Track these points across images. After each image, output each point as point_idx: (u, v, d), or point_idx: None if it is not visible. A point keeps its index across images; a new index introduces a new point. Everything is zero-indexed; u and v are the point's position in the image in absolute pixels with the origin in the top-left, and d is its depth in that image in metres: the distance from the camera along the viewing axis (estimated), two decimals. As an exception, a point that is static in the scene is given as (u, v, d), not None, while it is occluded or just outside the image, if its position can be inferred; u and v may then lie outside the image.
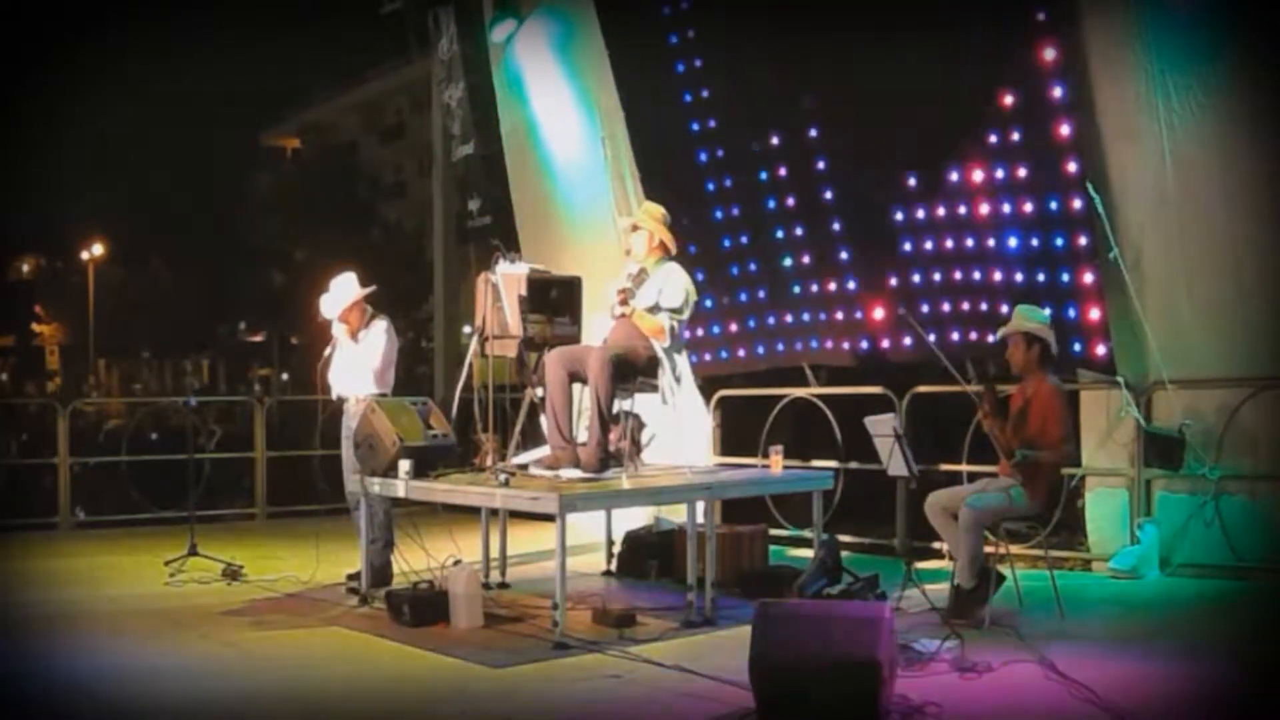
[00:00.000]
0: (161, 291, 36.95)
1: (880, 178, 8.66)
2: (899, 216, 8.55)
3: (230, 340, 40.16)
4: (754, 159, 9.43)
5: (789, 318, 9.44)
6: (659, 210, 7.27)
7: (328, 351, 7.75)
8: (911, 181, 8.46)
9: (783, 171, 9.32)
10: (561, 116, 10.94)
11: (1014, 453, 6.39)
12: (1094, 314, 7.54)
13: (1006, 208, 7.94)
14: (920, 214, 8.43)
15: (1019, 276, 7.93)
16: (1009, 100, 7.81)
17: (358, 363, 7.64)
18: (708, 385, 9.71)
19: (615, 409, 7.00)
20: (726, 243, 9.75)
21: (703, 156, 9.82)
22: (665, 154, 9.94)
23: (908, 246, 8.55)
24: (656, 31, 9.87)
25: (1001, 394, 6.75)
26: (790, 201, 9.30)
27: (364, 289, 7.65)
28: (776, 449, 7.53)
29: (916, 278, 8.54)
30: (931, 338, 7.39)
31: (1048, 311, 6.98)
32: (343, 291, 7.65)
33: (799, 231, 9.28)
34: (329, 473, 9.97)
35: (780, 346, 9.54)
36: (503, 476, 6.46)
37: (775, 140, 9.29)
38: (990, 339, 8.18)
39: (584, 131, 10.69)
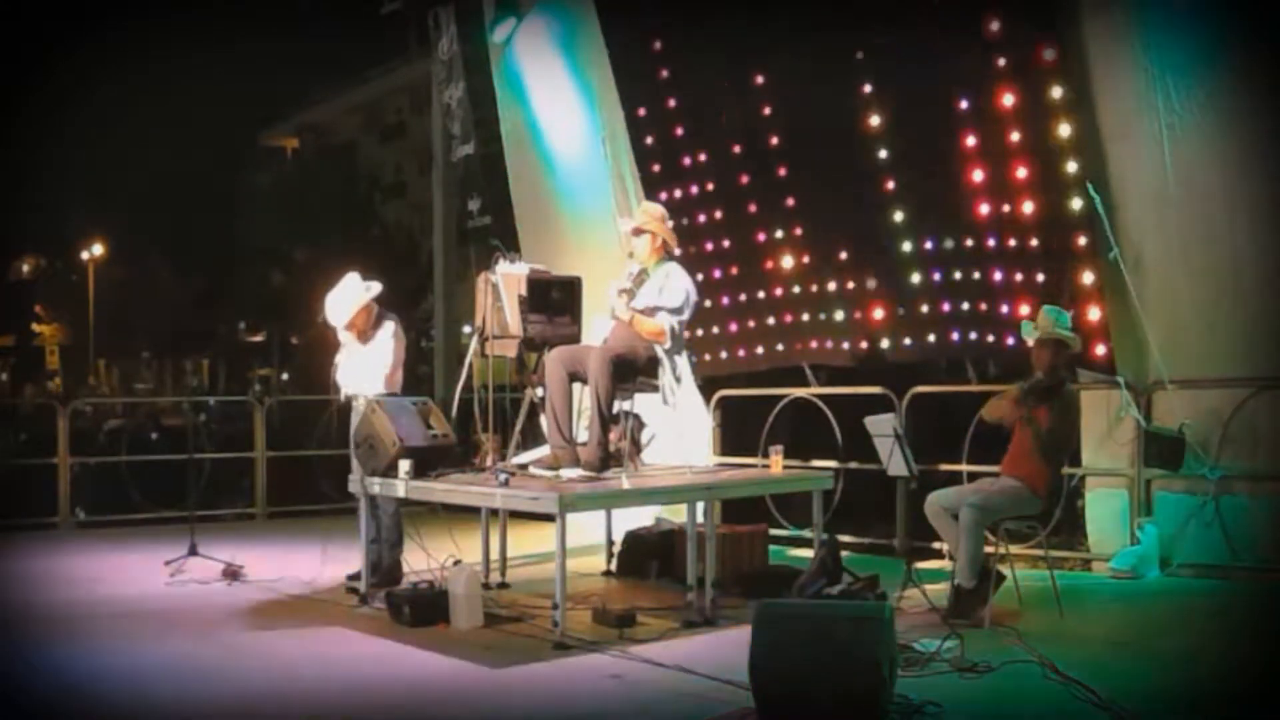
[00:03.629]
0: (161, 291, 36.94)
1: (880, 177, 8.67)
2: (899, 216, 8.55)
3: (230, 340, 40.14)
4: (754, 159, 9.42)
5: (789, 318, 9.43)
6: (659, 210, 7.25)
7: (338, 358, 7.70)
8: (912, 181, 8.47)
9: (782, 172, 9.32)
10: (562, 115, 10.93)
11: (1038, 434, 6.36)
12: (1094, 314, 7.54)
13: (1007, 208, 7.94)
14: (921, 213, 8.43)
15: (1019, 276, 7.92)
16: (1008, 100, 7.81)
17: (368, 364, 7.56)
18: (708, 385, 9.71)
19: (615, 409, 7.00)
20: (726, 243, 9.74)
21: (702, 156, 9.83)
22: (665, 151, 9.95)
23: (907, 247, 8.55)
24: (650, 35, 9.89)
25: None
26: (790, 202, 9.30)
27: (368, 289, 7.54)
28: (776, 449, 7.52)
29: (916, 278, 8.54)
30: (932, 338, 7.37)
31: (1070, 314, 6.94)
32: (348, 296, 7.55)
33: (799, 231, 9.28)
34: (329, 472, 9.97)
35: (780, 346, 9.54)
36: (503, 476, 6.46)
37: (775, 141, 9.30)
38: (990, 339, 8.20)
39: (585, 130, 10.69)
